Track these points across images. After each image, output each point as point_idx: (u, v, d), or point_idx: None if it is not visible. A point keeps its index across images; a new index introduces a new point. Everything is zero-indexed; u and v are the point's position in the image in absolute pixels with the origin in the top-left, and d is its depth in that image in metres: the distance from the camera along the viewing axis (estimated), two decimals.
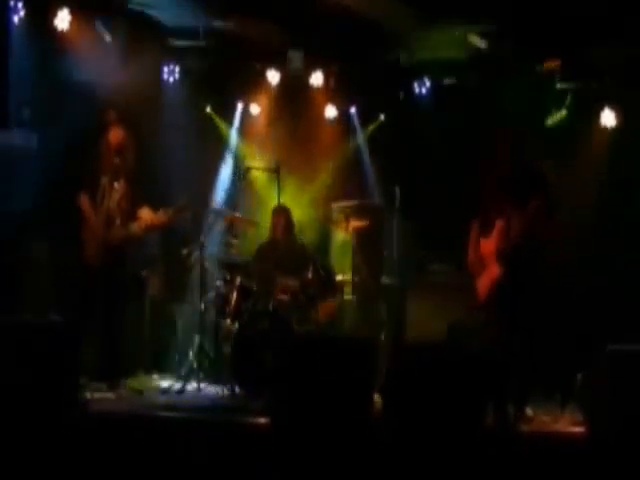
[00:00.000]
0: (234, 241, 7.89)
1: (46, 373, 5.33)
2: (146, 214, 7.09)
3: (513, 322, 6.20)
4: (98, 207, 7.06)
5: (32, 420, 5.25)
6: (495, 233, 6.31)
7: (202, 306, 7.57)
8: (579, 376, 6.40)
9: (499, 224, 6.29)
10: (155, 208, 7.12)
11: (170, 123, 8.93)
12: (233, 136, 9.70)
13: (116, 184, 7.11)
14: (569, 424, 6.18)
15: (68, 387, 5.47)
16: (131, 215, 7.10)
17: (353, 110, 9.77)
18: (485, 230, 6.40)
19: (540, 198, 6.12)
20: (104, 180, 7.11)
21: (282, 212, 8.09)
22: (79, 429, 5.42)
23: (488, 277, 6.31)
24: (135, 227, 7.07)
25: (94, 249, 6.96)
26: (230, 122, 9.67)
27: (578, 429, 5.89)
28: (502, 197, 6.33)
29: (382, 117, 9.69)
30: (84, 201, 7.05)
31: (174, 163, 8.69)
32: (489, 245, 6.35)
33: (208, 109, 9.50)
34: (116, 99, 7.92)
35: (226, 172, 9.50)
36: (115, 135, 7.14)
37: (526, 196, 6.18)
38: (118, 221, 7.07)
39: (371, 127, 9.77)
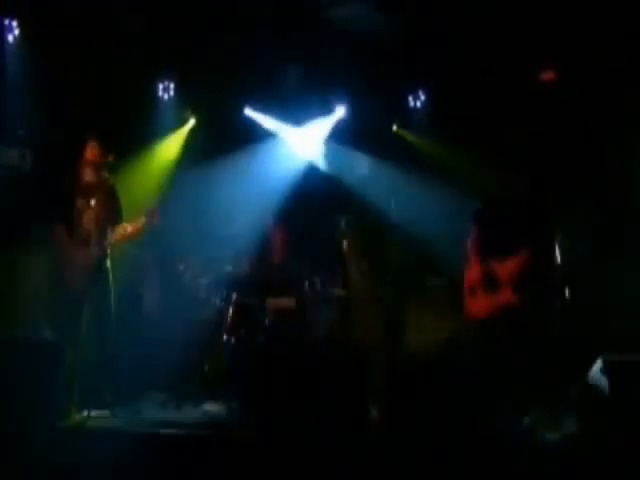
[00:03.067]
0: (230, 257, 7.88)
1: (36, 389, 5.35)
2: (118, 229, 6.88)
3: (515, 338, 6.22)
4: (75, 230, 6.85)
5: (23, 436, 5.26)
6: (519, 260, 6.29)
7: (199, 322, 7.56)
8: (577, 385, 6.39)
9: (526, 253, 6.28)
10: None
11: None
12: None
13: (92, 202, 6.88)
14: (566, 434, 6.15)
15: (58, 404, 5.49)
16: (107, 231, 6.89)
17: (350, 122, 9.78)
18: (495, 250, 6.39)
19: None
20: (79, 201, 6.90)
21: (279, 228, 8.11)
22: (75, 446, 5.42)
23: (496, 299, 6.29)
24: (110, 241, 6.87)
25: (74, 274, 6.75)
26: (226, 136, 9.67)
27: (576, 438, 5.87)
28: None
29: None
30: (59, 233, 6.81)
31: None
32: (507, 268, 6.33)
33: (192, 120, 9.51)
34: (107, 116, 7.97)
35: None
36: (92, 152, 6.95)
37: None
38: (94, 239, 6.85)
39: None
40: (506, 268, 6.36)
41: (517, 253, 6.32)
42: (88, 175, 6.98)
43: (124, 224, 6.92)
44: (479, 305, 6.36)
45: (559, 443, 5.86)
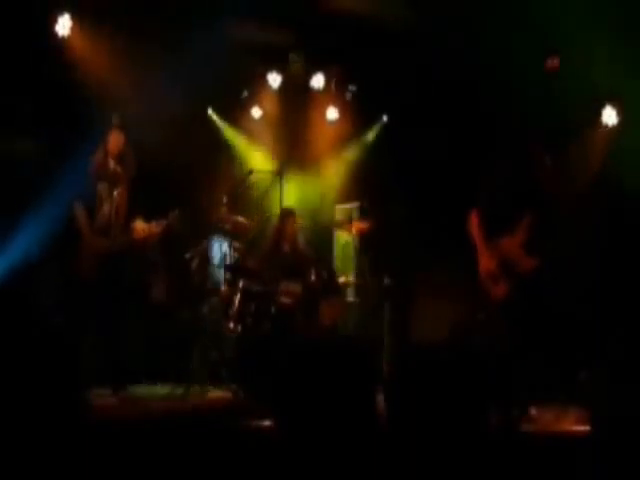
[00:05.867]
0: (237, 245, 7.88)
1: (47, 378, 5.35)
2: (139, 226, 6.91)
3: (528, 318, 6.16)
4: (95, 216, 6.92)
5: (34, 425, 5.27)
6: (523, 227, 6.20)
7: (205, 310, 7.58)
8: (582, 374, 6.38)
9: (527, 219, 6.20)
10: (153, 214, 7.03)
11: (171, 126, 8.93)
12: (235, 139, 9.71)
13: (115, 192, 6.93)
14: (573, 423, 6.15)
15: (69, 392, 5.49)
16: (125, 226, 6.94)
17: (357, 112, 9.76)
18: (497, 231, 6.32)
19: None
20: (102, 187, 6.95)
21: (288, 215, 8.11)
22: (82, 435, 5.44)
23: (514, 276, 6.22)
24: (127, 239, 6.92)
25: (88, 260, 6.82)
26: (232, 125, 9.67)
27: (582, 428, 5.86)
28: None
29: (384, 118, 9.68)
30: (79, 211, 6.90)
31: (174, 167, 8.68)
32: (514, 242, 6.25)
33: (209, 111, 9.50)
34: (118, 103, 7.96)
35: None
36: (114, 140, 6.98)
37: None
38: (112, 232, 6.92)
39: (374, 129, 9.75)
40: (513, 242, 6.28)
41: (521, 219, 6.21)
42: (111, 164, 6.99)
43: (140, 222, 6.92)
44: (502, 289, 6.26)
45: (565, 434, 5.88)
